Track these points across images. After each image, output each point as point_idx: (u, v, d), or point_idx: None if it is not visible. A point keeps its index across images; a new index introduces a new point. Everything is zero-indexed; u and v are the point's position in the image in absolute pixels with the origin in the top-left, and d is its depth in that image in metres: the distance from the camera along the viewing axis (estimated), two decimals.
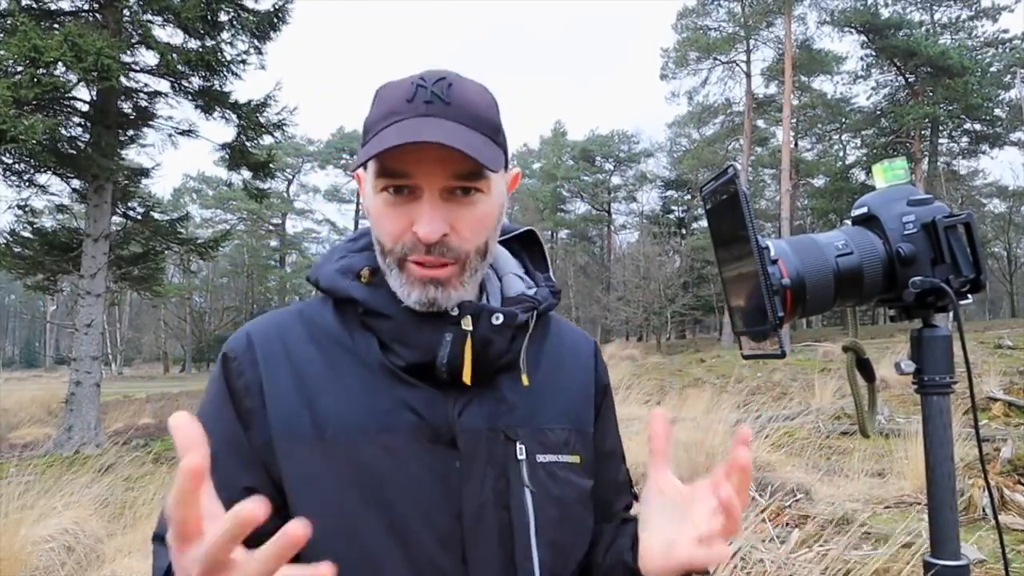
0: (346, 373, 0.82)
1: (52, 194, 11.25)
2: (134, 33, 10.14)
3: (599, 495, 0.92)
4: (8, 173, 10.38)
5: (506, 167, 0.86)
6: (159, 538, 0.78)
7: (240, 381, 0.82)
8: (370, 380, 0.81)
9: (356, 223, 49.94)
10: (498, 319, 0.82)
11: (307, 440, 0.78)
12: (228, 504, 0.74)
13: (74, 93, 10.06)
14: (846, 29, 30.71)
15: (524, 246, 0.97)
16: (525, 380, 0.87)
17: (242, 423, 0.80)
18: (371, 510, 0.76)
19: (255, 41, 10.97)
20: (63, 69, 8.90)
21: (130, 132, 11.26)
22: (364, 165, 0.82)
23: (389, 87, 0.82)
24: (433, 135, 0.74)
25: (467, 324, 0.81)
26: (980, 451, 0.89)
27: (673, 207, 45.16)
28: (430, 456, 0.79)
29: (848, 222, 0.91)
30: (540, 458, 0.84)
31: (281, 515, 0.77)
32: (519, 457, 0.82)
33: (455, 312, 0.81)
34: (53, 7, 10.17)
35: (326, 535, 0.75)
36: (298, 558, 0.76)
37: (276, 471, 0.78)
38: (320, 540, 0.75)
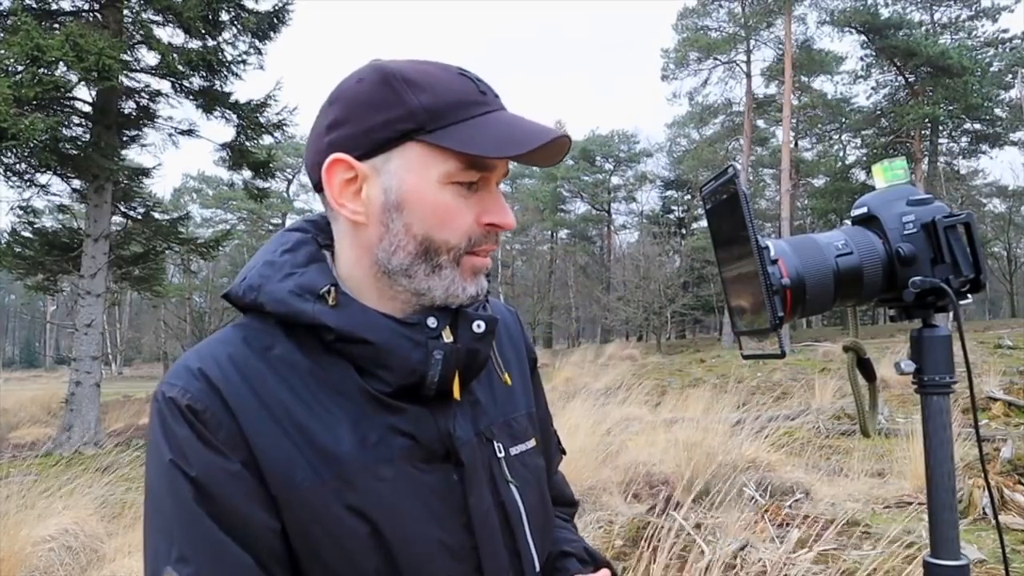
0: (324, 407, 0.74)
1: (53, 194, 11.31)
2: (135, 33, 10.14)
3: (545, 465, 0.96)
4: (9, 173, 10.39)
5: None
6: None
7: (221, 435, 0.71)
8: (352, 411, 0.74)
9: None
10: (480, 327, 0.79)
11: (308, 487, 0.71)
12: (281, 560, 0.71)
13: (75, 93, 10.07)
14: (846, 29, 30.68)
15: None
16: (508, 380, 0.88)
17: (248, 472, 0.71)
18: (382, 545, 0.73)
19: (255, 41, 10.99)
20: (64, 69, 8.91)
21: (131, 132, 11.28)
22: (378, 151, 0.74)
23: (432, 71, 0.75)
24: (551, 132, 0.75)
25: (448, 336, 0.78)
26: (980, 451, 0.89)
27: (673, 207, 45.13)
28: (427, 475, 0.77)
29: (848, 222, 0.91)
30: (513, 451, 0.85)
31: (294, 566, 0.74)
32: (499, 455, 0.83)
33: (434, 324, 0.77)
34: (54, 7, 10.18)
35: None
36: None
37: (280, 520, 0.73)
38: None
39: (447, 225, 0.75)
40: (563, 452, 1.06)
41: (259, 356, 0.75)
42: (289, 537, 0.72)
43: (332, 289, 0.75)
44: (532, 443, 0.89)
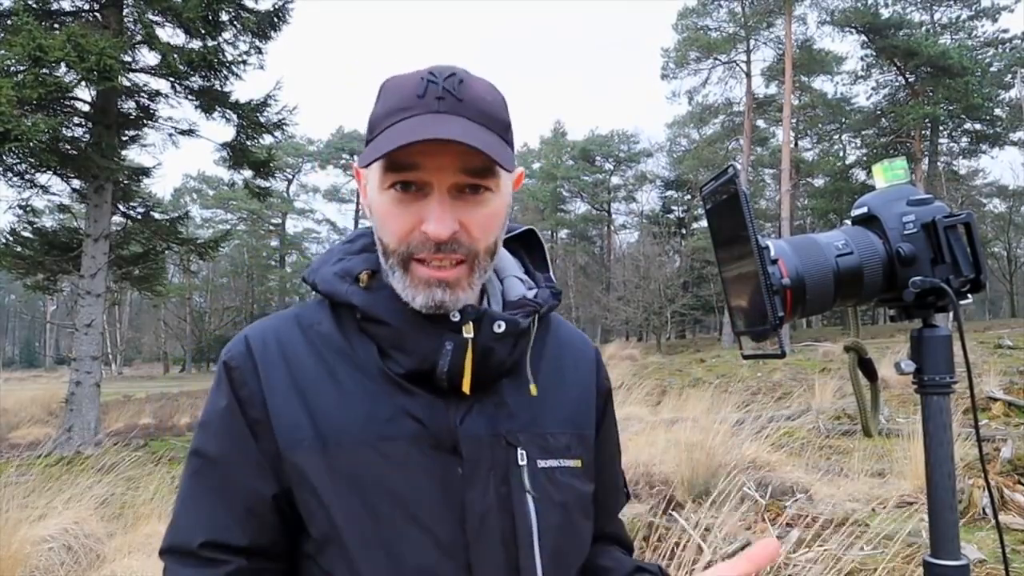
0: (345, 380, 0.80)
1: (53, 194, 11.27)
2: (136, 33, 10.14)
3: (600, 499, 0.92)
4: (9, 173, 10.38)
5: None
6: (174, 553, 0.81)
7: (244, 391, 0.80)
8: (370, 387, 0.79)
9: (356, 223, 49.97)
10: (500, 327, 0.80)
11: (310, 451, 0.77)
12: (257, 516, 0.79)
13: (75, 93, 10.06)
14: (846, 29, 30.69)
15: (524, 246, 0.95)
16: (533, 390, 0.85)
17: (252, 434, 0.79)
18: (373, 519, 0.75)
19: (255, 41, 10.98)
20: (65, 69, 8.90)
21: (131, 132, 11.27)
22: (366, 165, 0.81)
23: (396, 81, 0.80)
24: (449, 132, 0.72)
25: (468, 331, 0.79)
26: (980, 451, 0.89)
27: (673, 207, 45.13)
28: (432, 463, 0.77)
29: (848, 222, 0.91)
30: (541, 463, 0.83)
31: (285, 525, 0.80)
32: (520, 462, 0.81)
33: (456, 318, 0.79)
34: (55, 7, 10.18)
35: (332, 545, 0.76)
36: (307, 567, 0.79)
37: (286, 481, 0.78)
38: (327, 550, 0.76)
39: (385, 229, 0.79)
40: (628, 497, 1.04)
41: (302, 330, 0.84)
42: (294, 500, 0.79)
43: (366, 274, 0.83)
44: (572, 463, 0.86)
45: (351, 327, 0.83)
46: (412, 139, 0.71)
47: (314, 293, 0.89)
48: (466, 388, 0.79)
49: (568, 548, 0.84)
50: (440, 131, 0.72)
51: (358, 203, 46.82)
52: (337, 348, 0.82)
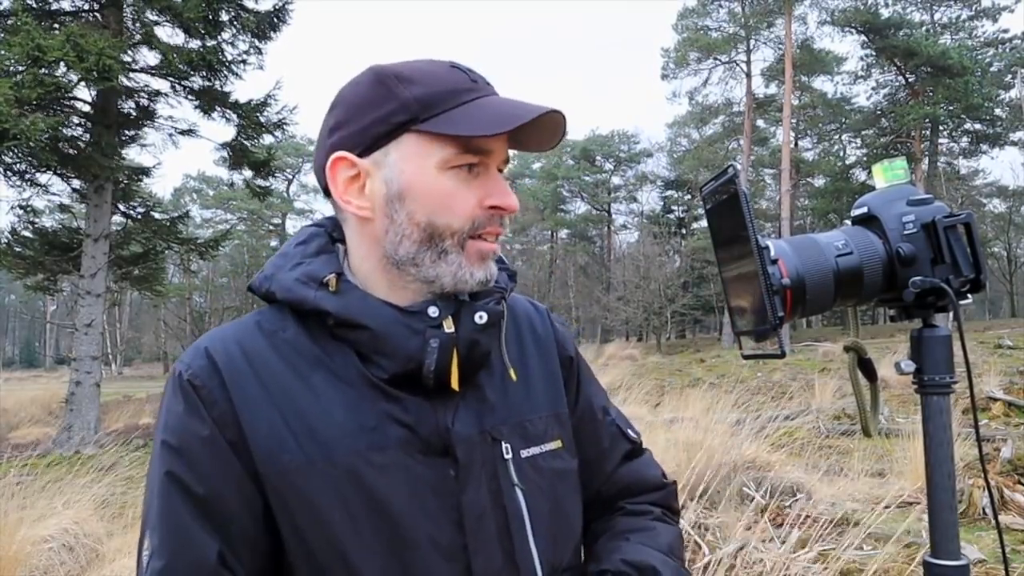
0: (323, 390, 0.76)
1: (53, 194, 11.29)
2: (135, 33, 10.14)
3: (593, 462, 0.93)
4: (9, 173, 10.38)
5: None
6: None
7: (216, 411, 0.74)
8: (351, 396, 0.76)
9: None
10: (482, 318, 0.79)
11: (296, 469, 0.73)
12: (250, 542, 0.73)
13: (74, 93, 10.06)
14: (846, 29, 30.68)
15: None
16: (514, 375, 0.85)
17: (236, 456, 0.74)
18: (369, 533, 0.73)
19: (255, 41, 10.99)
20: (64, 69, 8.90)
21: (131, 132, 11.27)
22: (377, 146, 0.77)
23: (422, 66, 0.78)
24: (541, 107, 0.75)
25: (448, 326, 0.78)
26: (980, 451, 0.89)
27: (673, 207, 45.11)
28: (423, 468, 0.76)
29: (848, 222, 0.91)
30: (524, 453, 0.83)
31: (273, 546, 0.75)
32: (505, 456, 0.81)
33: (435, 313, 0.77)
34: (54, 7, 10.18)
35: (325, 564, 0.73)
36: None
37: (270, 500, 0.74)
38: (320, 569, 0.73)
39: (449, 209, 0.76)
40: (632, 442, 0.99)
41: (268, 339, 0.78)
42: (276, 518, 0.74)
43: (334, 277, 0.78)
44: (553, 445, 0.86)
45: (321, 334, 0.78)
46: (537, 113, 0.73)
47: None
48: (455, 384, 0.78)
49: (559, 533, 0.84)
50: (540, 108, 0.75)
51: None
52: (309, 355, 0.77)
